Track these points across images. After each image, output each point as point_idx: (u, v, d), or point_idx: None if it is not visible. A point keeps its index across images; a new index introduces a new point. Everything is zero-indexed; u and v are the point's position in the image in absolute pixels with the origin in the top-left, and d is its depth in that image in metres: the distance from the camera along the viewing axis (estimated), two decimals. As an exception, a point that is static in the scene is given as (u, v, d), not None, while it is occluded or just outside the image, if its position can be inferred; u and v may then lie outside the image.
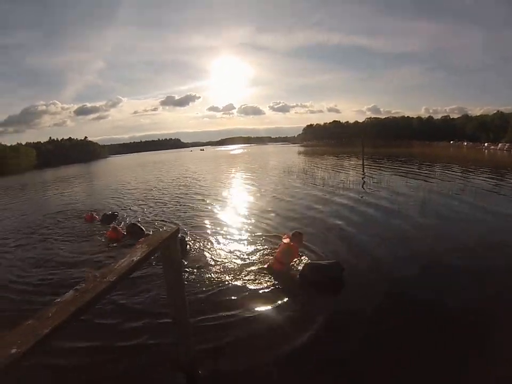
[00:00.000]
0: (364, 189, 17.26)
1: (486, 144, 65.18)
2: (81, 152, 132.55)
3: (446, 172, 23.82)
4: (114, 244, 9.64)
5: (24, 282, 7.31)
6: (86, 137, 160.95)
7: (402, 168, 27.44)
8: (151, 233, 9.49)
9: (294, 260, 7.00)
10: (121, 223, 12.17)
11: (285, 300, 5.69)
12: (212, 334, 4.73)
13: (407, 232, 9.52)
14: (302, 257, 7.32)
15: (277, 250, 7.07)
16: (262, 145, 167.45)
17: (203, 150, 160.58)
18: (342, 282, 6.25)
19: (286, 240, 7.05)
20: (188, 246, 8.63)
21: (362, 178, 21.54)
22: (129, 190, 23.06)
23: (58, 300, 2.04)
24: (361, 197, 14.85)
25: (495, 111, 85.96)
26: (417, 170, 26.01)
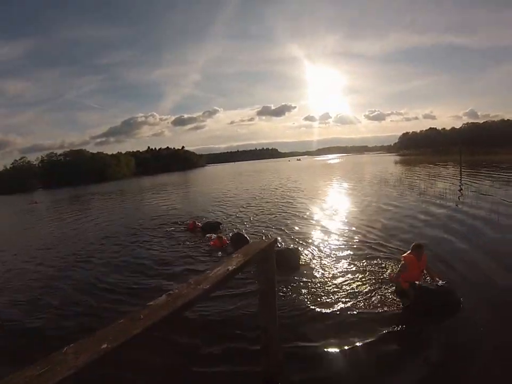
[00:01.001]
0: (462, 199, 15.89)
1: None
2: (178, 161, 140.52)
3: None
4: (219, 253, 9.48)
5: (125, 284, 7.71)
6: (183, 146, 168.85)
7: (504, 177, 24.67)
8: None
9: (416, 277, 6.06)
10: (224, 231, 12.00)
11: (395, 327, 5.08)
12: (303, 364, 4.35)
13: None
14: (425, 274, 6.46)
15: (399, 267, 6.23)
16: (358, 155, 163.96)
17: (300, 160, 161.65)
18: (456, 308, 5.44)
19: (405, 255, 6.22)
20: (300, 258, 8.29)
21: (460, 187, 19.93)
22: (230, 198, 22.98)
23: (151, 303, 2.09)
24: (459, 207, 13.85)
25: None
26: None
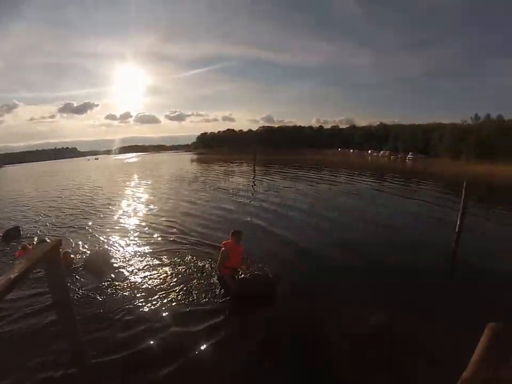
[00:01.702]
0: (255, 193, 18.39)
1: (369, 151, 77.11)
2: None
3: (336, 175, 26.64)
4: None
5: None
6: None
7: (291, 173, 29.91)
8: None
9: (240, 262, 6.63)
10: (27, 237, 10.74)
11: (218, 318, 5.35)
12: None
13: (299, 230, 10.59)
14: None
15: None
16: (157, 154, 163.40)
17: (97, 158, 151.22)
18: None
19: (225, 242, 6.42)
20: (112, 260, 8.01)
21: (253, 183, 22.88)
22: (30, 200, 19.95)
23: None
24: (251, 202, 15.80)
25: (378, 123, 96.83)
26: (307, 175, 28.69)
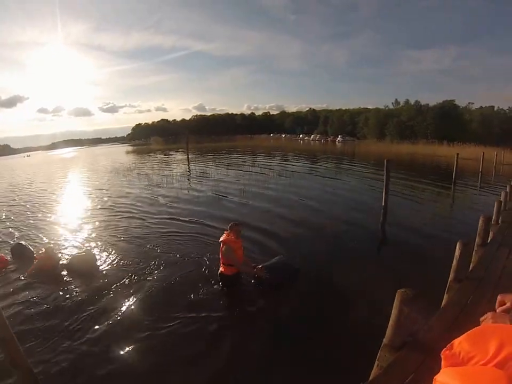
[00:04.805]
0: (191, 180, 18.19)
1: (301, 135, 79.46)
2: None
3: (267, 159, 26.98)
4: (9, 276, 6.84)
5: None
6: None
7: (225, 160, 29.88)
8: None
9: (241, 256, 5.89)
10: None
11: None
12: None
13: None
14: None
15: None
16: (93, 147, 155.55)
17: (29, 156, 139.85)
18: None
19: (222, 237, 5.71)
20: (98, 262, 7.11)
21: (188, 171, 22.57)
22: None
23: None
24: (191, 186, 15.70)
25: (307, 108, 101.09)
26: (238, 161, 28.81)
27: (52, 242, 8.79)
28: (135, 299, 5.41)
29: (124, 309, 5.18)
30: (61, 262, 7.08)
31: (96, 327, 4.73)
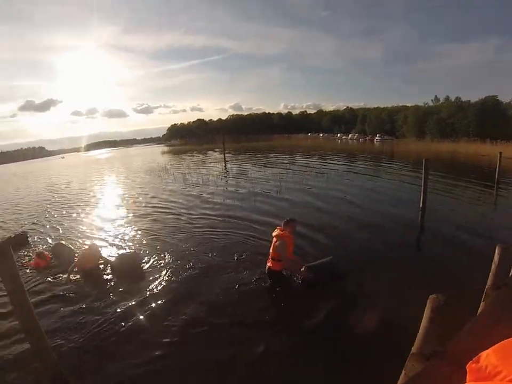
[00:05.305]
0: (227, 180, 18.46)
1: (338, 134, 78.50)
2: None
3: (305, 159, 27.19)
4: (50, 272, 7.19)
5: None
6: None
7: (262, 159, 30.12)
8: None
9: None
10: (38, 244, 9.47)
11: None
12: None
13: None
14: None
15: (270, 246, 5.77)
16: (128, 148, 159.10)
17: (63, 157, 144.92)
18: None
19: (276, 231, 5.72)
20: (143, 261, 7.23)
21: (225, 170, 22.93)
22: (18, 203, 18.23)
23: None
24: (227, 188, 15.80)
25: (345, 107, 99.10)
26: (276, 161, 28.77)
27: (94, 240, 9.10)
28: (177, 298, 5.49)
29: (164, 307, 5.26)
30: (103, 260, 7.24)
31: (131, 326, 4.85)
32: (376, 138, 62.00)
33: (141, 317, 5.05)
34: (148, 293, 5.76)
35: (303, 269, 5.63)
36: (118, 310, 5.28)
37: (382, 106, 79.54)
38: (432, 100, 63.73)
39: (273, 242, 5.65)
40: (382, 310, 4.75)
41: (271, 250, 5.68)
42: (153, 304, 5.36)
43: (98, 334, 4.70)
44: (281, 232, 5.62)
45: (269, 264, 5.67)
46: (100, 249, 7.63)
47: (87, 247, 7.81)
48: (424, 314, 2.46)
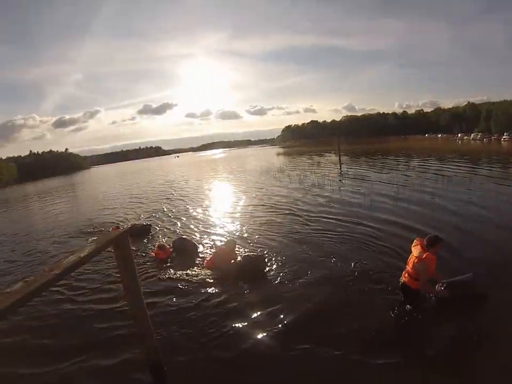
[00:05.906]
0: (343, 182, 17.85)
1: (459, 134, 69.57)
2: (63, 164, 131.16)
3: (427, 163, 24.75)
4: (168, 265, 7.72)
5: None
6: (66, 149, 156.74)
7: (378, 163, 28.04)
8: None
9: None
10: (156, 236, 10.52)
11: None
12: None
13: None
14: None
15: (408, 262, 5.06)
16: (242, 149, 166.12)
17: (178, 156, 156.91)
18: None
19: (417, 248, 4.89)
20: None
21: (341, 173, 22.21)
22: (136, 197, 20.92)
23: (8, 290, 2.19)
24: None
25: (465, 103, 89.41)
26: (393, 163, 26.75)
27: (223, 237, 9.45)
28: (297, 308, 5.19)
29: (279, 316, 5.03)
30: (234, 260, 7.17)
31: (240, 331, 4.77)
32: (504, 137, 52.11)
33: (257, 329, 4.81)
34: (267, 300, 5.51)
35: (438, 285, 5.06)
36: (230, 312, 5.25)
37: (510, 99, 68.55)
38: None
39: (412, 258, 4.93)
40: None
41: (409, 266, 4.96)
42: (270, 313, 5.16)
43: (203, 332, 4.74)
44: (424, 254, 4.69)
45: (404, 279, 5.01)
46: (235, 248, 7.69)
47: (224, 242, 8.17)
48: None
